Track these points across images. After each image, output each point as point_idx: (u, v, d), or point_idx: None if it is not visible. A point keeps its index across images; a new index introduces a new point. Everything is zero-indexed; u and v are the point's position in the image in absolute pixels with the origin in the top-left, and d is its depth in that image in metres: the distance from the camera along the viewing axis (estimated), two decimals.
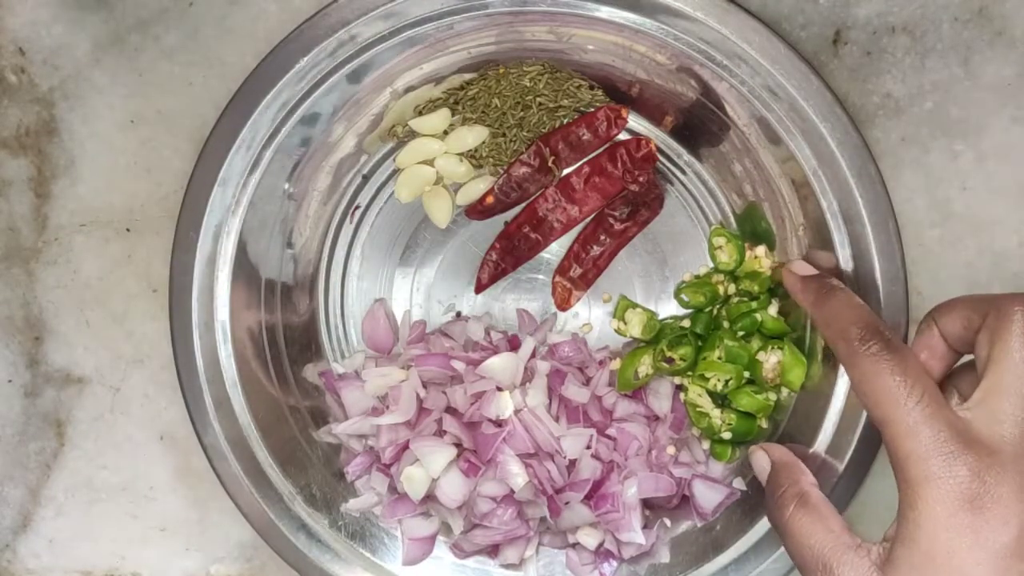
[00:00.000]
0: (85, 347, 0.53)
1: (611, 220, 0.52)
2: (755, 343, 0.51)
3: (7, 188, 0.52)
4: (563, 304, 0.53)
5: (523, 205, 0.53)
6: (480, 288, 0.53)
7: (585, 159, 0.52)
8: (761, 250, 0.51)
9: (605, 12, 0.47)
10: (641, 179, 0.51)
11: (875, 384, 0.39)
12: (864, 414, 0.49)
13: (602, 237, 0.52)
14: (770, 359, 0.50)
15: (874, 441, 0.49)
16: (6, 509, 0.55)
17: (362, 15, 0.47)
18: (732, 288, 0.52)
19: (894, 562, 0.37)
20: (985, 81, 0.50)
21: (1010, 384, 0.38)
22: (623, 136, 0.52)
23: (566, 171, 0.52)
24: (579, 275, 0.53)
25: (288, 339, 0.53)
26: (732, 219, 0.52)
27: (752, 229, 0.52)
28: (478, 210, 0.52)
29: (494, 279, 0.53)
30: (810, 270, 0.47)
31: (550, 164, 0.51)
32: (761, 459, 0.46)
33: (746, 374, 0.50)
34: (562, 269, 0.52)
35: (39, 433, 0.54)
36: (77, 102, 0.51)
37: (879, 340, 0.40)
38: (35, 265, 0.53)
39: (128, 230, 0.52)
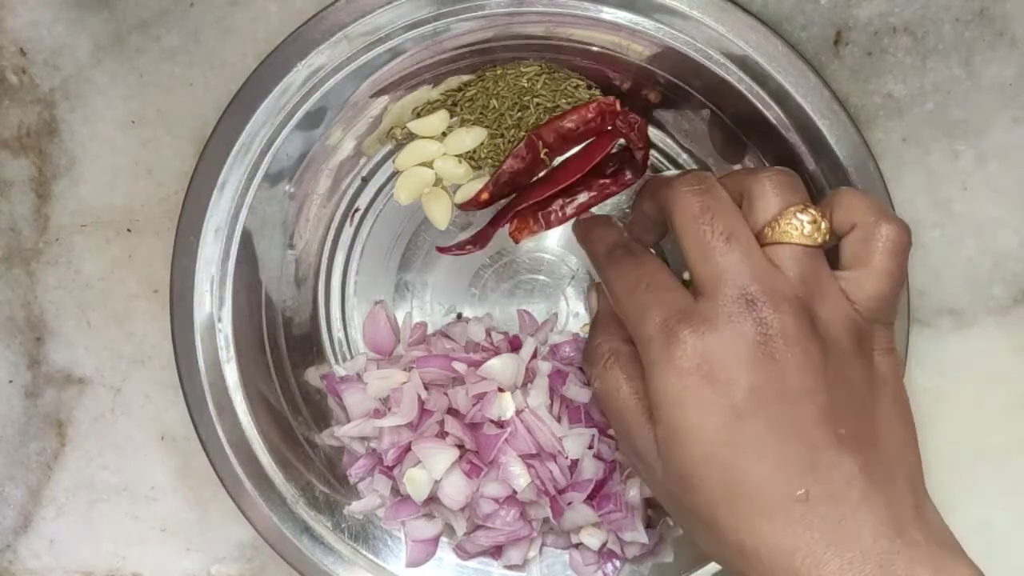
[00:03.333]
0: (86, 347, 0.53)
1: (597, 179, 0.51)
2: None
3: (8, 188, 0.52)
4: (517, 234, 0.51)
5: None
6: (444, 251, 0.52)
7: (577, 148, 0.52)
8: None
9: (607, 13, 0.47)
10: (636, 127, 0.50)
11: (616, 280, 0.42)
12: None
13: (579, 189, 0.51)
14: None
15: None
16: (7, 509, 0.55)
17: (360, 17, 0.47)
18: None
19: (659, 437, 0.39)
20: (986, 82, 0.50)
21: (698, 262, 0.40)
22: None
23: (558, 160, 0.52)
24: (544, 213, 0.51)
25: (289, 341, 0.53)
26: None
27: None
28: (473, 204, 0.52)
29: (461, 249, 0.52)
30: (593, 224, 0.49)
31: (543, 156, 0.51)
32: (594, 299, 0.47)
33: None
34: (532, 204, 0.51)
35: (40, 433, 0.54)
36: (78, 102, 0.51)
37: (625, 249, 0.43)
38: (36, 265, 0.53)
39: (129, 230, 0.52)
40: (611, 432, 0.51)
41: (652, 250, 0.46)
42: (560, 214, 0.52)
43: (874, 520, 0.36)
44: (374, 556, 0.52)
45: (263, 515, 0.51)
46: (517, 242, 0.52)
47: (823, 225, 0.39)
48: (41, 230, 0.53)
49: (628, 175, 0.52)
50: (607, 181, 0.52)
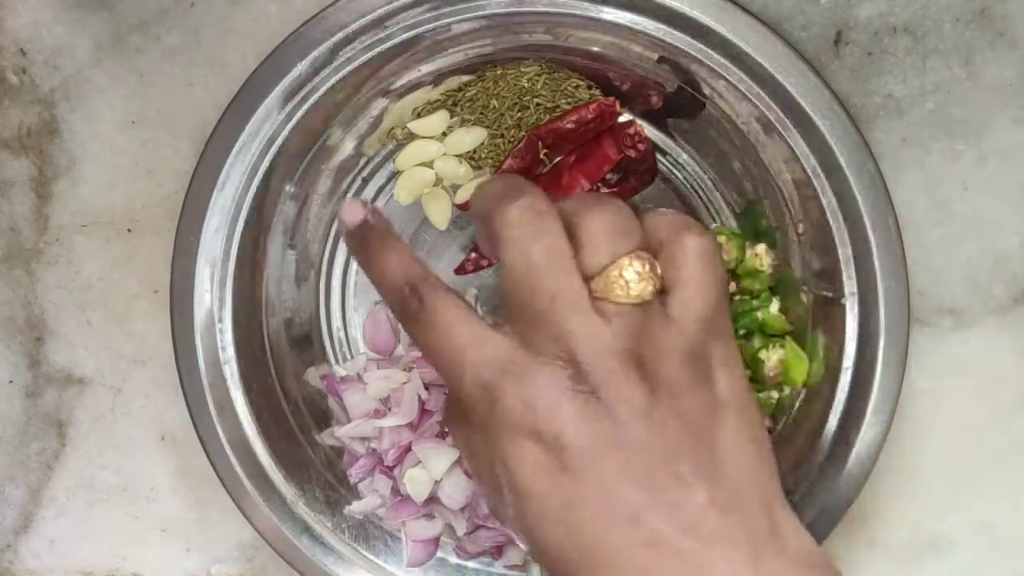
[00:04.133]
0: (86, 348, 0.53)
1: (599, 185, 0.52)
2: (756, 341, 0.51)
3: (8, 188, 0.52)
4: None
5: None
6: (460, 271, 0.53)
7: (579, 149, 0.52)
8: (761, 248, 0.51)
9: (608, 13, 0.47)
10: (640, 145, 0.50)
11: (421, 344, 0.37)
12: (867, 414, 0.48)
13: None
14: (772, 357, 0.50)
15: (880, 437, 0.49)
16: (7, 510, 0.55)
17: (359, 17, 0.47)
18: (732, 287, 0.51)
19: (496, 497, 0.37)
20: (986, 82, 0.50)
21: (517, 308, 0.36)
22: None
23: (557, 160, 0.52)
24: None
25: (290, 341, 0.53)
26: (731, 218, 0.52)
27: (752, 227, 0.51)
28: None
29: (478, 267, 0.53)
30: (359, 214, 0.40)
31: (542, 156, 0.51)
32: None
33: (748, 372, 0.50)
34: None
35: (40, 434, 0.54)
36: (78, 102, 0.51)
37: (415, 297, 0.37)
38: (36, 266, 0.53)
39: (129, 231, 0.52)
40: None
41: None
42: None
43: (728, 553, 0.34)
44: (374, 556, 0.52)
45: (263, 515, 0.51)
46: None
47: (654, 277, 0.36)
48: (41, 230, 0.53)
49: (633, 182, 0.52)
50: (613, 191, 0.52)
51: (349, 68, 0.48)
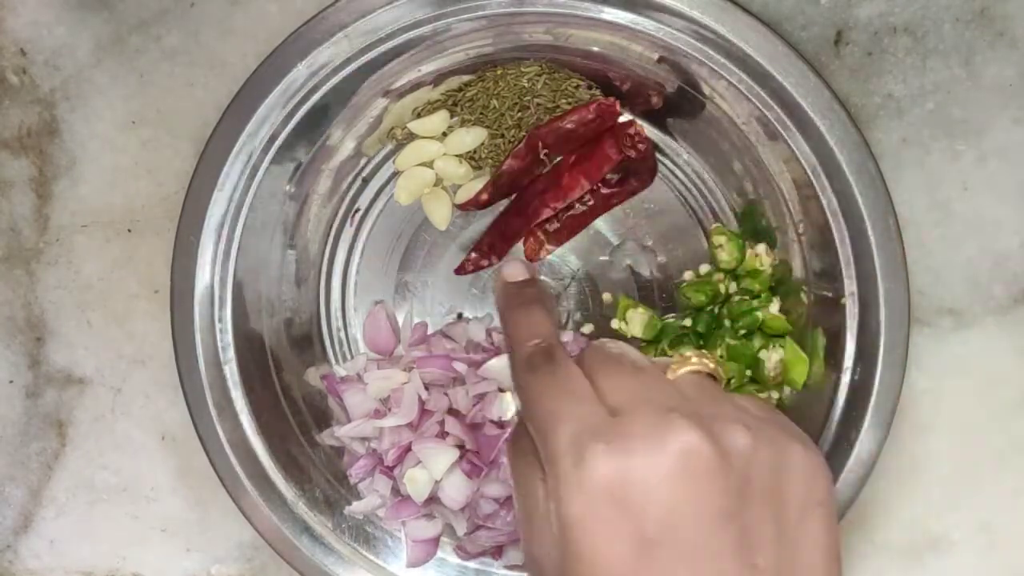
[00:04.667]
0: (86, 348, 0.53)
1: (599, 184, 0.52)
2: (756, 341, 0.51)
3: (8, 189, 0.52)
4: (533, 254, 0.53)
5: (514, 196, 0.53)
6: (461, 271, 0.53)
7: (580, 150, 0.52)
8: (761, 248, 0.51)
9: (608, 13, 0.47)
10: (640, 146, 0.50)
11: (530, 400, 0.37)
12: (867, 414, 0.49)
13: (586, 198, 0.52)
14: (772, 357, 0.50)
15: (880, 437, 0.49)
16: (7, 510, 0.55)
17: (360, 17, 0.47)
18: (733, 287, 0.52)
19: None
20: (986, 82, 0.50)
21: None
22: None
23: (557, 159, 0.52)
24: (555, 230, 0.52)
25: (290, 341, 0.53)
26: (732, 217, 0.52)
27: (752, 227, 0.51)
28: (473, 204, 0.52)
29: (478, 267, 0.53)
30: (520, 275, 0.43)
31: (542, 156, 0.51)
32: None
33: (748, 373, 0.50)
34: (542, 221, 0.52)
35: (40, 434, 0.54)
36: (78, 103, 0.51)
37: (543, 355, 0.38)
38: (36, 266, 0.53)
39: (129, 231, 0.52)
40: None
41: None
42: (570, 229, 0.53)
43: None
44: (374, 556, 0.52)
45: (263, 515, 0.51)
46: (533, 261, 0.53)
47: (708, 356, 0.38)
48: (41, 230, 0.53)
49: (634, 183, 0.52)
50: (613, 191, 0.52)
51: (349, 68, 0.48)
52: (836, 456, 0.49)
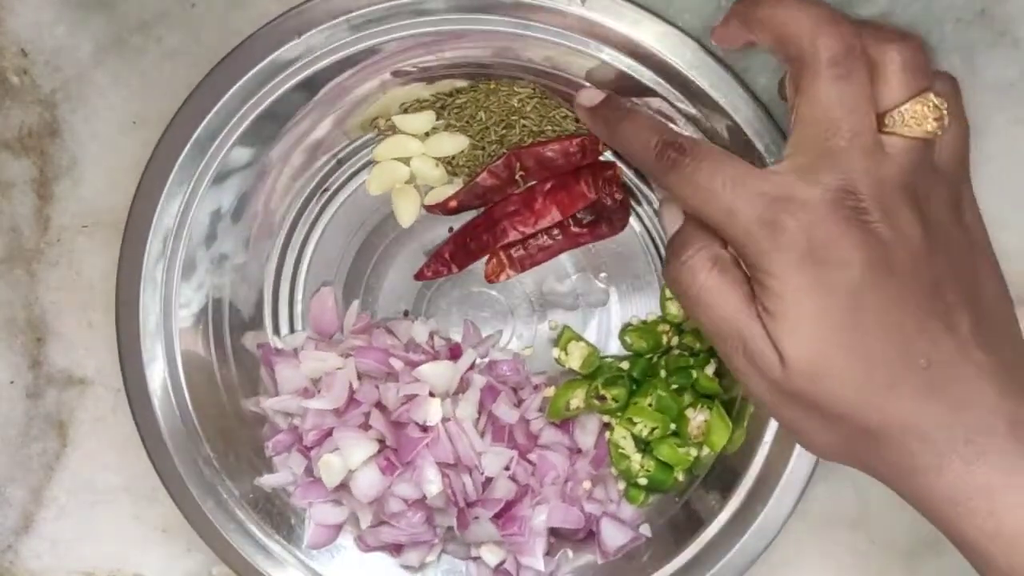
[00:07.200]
0: (87, 348, 0.53)
1: (570, 220, 0.52)
2: (686, 398, 0.51)
3: (9, 189, 0.52)
4: (493, 276, 0.53)
5: (483, 209, 0.53)
6: (420, 277, 0.53)
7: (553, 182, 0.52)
8: None
9: (606, 54, 0.47)
10: (616, 196, 0.51)
11: (684, 190, 0.40)
12: (782, 477, 0.49)
13: (555, 232, 0.52)
14: (697, 417, 0.51)
15: (785, 511, 0.50)
16: (8, 510, 0.55)
17: (367, 5, 0.47)
18: (675, 340, 0.52)
19: (776, 331, 0.38)
20: (988, 82, 0.50)
21: (811, 142, 0.38)
22: None
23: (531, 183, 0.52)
24: (519, 256, 0.53)
25: (233, 306, 0.53)
26: None
27: None
28: (440, 209, 0.52)
29: (437, 275, 0.53)
30: (597, 97, 0.47)
31: (517, 177, 0.51)
32: (674, 213, 0.44)
33: (672, 426, 0.51)
34: (508, 244, 0.52)
35: (41, 434, 0.54)
36: (79, 103, 0.51)
37: (674, 148, 0.40)
38: (37, 266, 0.53)
39: None
40: (530, 457, 0.51)
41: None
42: (533, 259, 0.53)
43: (994, 380, 0.37)
44: (274, 530, 0.52)
45: (172, 464, 0.51)
46: (491, 283, 0.53)
47: (944, 116, 0.39)
48: (42, 231, 0.53)
49: (604, 229, 0.52)
50: (582, 231, 0.52)
51: (341, 54, 0.48)
52: (745, 518, 0.50)
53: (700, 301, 0.40)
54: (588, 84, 0.48)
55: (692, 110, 0.47)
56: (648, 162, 0.41)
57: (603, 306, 0.54)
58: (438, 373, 0.50)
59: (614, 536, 0.51)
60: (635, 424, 0.51)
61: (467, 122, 0.52)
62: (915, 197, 0.38)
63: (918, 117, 0.38)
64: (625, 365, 0.52)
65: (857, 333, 0.37)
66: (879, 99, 0.39)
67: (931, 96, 0.39)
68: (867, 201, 0.37)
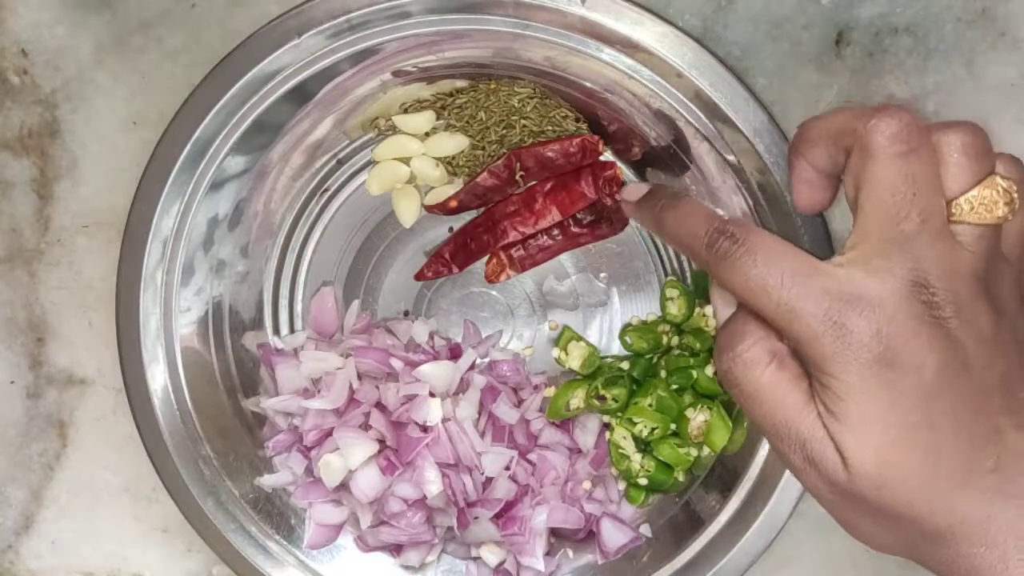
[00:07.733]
0: (87, 348, 0.54)
1: (570, 221, 0.52)
2: (686, 398, 0.51)
3: (10, 189, 0.52)
4: (493, 276, 0.53)
5: (483, 209, 0.53)
6: (420, 277, 0.53)
7: (554, 182, 0.52)
8: (710, 310, 0.51)
9: (606, 54, 0.47)
10: (616, 196, 0.51)
11: (737, 283, 0.37)
12: (782, 477, 0.49)
13: (555, 232, 0.52)
14: (697, 417, 0.51)
15: (785, 511, 0.50)
16: (9, 510, 0.55)
17: (367, 5, 0.47)
18: (675, 340, 0.52)
19: (840, 434, 0.36)
20: (988, 82, 0.50)
21: (878, 229, 0.36)
22: None
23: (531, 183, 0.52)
24: (519, 256, 0.53)
25: (233, 306, 0.53)
26: (688, 273, 0.53)
27: (704, 288, 0.52)
28: (440, 208, 0.52)
29: (437, 275, 0.53)
30: (641, 191, 0.45)
31: (517, 177, 0.51)
32: (726, 300, 0.41)
33: (672, 426, 0.51)
34: (508, 244, 0.52)
35: (41, 434, 0.54)
36: (80, 103, 0.51)
37: (725, 237, 0.37)
38: (37, 266, 0.53)
39: None
40: (531, 457, 0.52)
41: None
42: (533, 260, 0.53)
43: None
44: (276, 532, 0.52)
45: (171, 463, 0.51)
46: (491, 283, 0.53)
47: (1015, 199, 0.37)
48: (43, 231, 0.53)
49: (604, 229, 0.52)
50: (582, 231, 0.52)
51: (341, 54, 0.48)
52: (743, 522, 0.50)
53: (756, 399, 0.38)
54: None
55: (696, 111, 0.48)
56: (699, 253, 0.38)
57: (603, 306, 0.54)
58: (438, 373, 0.50)
59: (614, 536, 0.52)
60: (635, 424, 0.51)
61: (467, 122, 0.52)
62: (986, 287, 0.36)
63: (987, 203, 0.36)
64: (625, 365, 0.52)
65: (927, 435, 0.35)
66: (943, 188, 0.36)
67: (998, 180, 0.36)
68: (940, 295, 0.35)
